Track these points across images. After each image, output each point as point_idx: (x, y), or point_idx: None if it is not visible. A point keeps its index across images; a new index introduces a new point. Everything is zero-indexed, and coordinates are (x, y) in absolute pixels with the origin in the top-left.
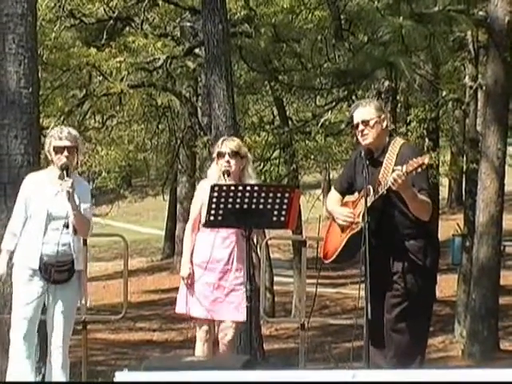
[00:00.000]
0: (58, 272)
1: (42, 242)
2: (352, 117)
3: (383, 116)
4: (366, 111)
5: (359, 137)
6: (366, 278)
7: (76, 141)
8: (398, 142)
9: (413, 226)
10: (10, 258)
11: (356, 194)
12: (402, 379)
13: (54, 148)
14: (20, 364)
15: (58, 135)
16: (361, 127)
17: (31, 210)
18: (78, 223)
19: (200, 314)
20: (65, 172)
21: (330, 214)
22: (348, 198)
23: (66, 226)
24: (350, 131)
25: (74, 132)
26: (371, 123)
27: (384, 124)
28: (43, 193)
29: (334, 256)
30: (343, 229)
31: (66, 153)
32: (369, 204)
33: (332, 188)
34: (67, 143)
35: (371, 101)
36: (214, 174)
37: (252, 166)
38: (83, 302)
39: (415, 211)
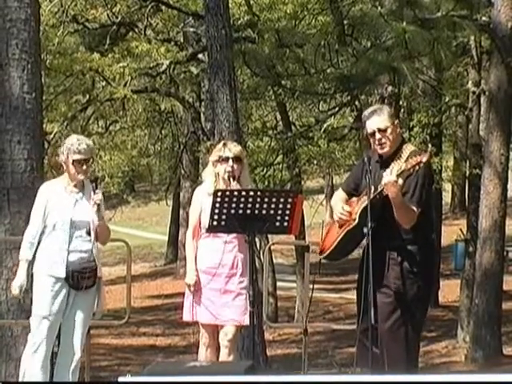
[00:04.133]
0: (83, 279)
1: (68, 250)
2: (365, 123)
3: (396, 122)
4: (381, 119)
5: (376, 145)
6: (369, 282)
7: (92, 152)
8: (409, 148)
9: (411, 232)
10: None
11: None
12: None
13: (74, 162)
14: (34, 371)
15: (77, 148)
16: (378, 136)
17: (52, 219)
18: (102, 232)
19: (208, 320)
20: (93, 184)
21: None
22: (354, 199)
23: (88, 233)
24: (353, 136)
25: (90, 143)
26: (388, 132)
27: (398, 130)
28: (63, 202)
29: (329, 251)
30: (341, 225)
31: (84, 166)
32: (367, 201)
33: (339, 188)
34: (85, 156)
35: (383, 107)
36: (210, 176)
37: (247, 168)
38: (101, 308)
39: (397, 217)
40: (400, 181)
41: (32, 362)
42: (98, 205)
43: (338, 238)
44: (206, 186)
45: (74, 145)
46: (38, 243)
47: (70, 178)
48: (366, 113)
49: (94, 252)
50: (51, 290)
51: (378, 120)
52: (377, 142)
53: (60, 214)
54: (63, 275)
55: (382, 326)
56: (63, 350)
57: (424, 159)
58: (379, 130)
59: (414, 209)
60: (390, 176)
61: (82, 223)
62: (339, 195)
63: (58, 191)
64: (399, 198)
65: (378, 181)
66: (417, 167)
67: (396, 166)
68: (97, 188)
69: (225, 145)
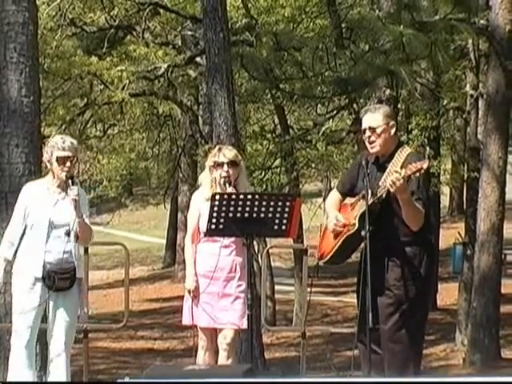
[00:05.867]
0: (60, 280)
1: (45, 250)
2: (361, 121)
3: (392, 123)
4: (374, 118)
5: (366, 143)
6: (367, 285)
7: (76, 151)
8: (406, 150)
9: (410, 234)
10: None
11: (357, 197)
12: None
13: (58, 158)
14: (21, 372)
15: (61, 145)
16: (368, 133)
17: (31, 219)
18: (82, 231)
19: (206, 323)
20: (70, 181)
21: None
22: (348, 200)
23: (67, 233)
24: (351, 140)
25: (75, 142)
26: (378, 131)
27: (392, 131)
28: (43, 202)
29: (329, 256)
30: (336, 234)
31: (68, 163)
32: (366, 206)
33: (334, 188)
34: (70, 154)
35: (381, 107)
36: (207, 181)
37: (245, 172)
38: (84, 310)
39: (407, 218)
40: (405, 187)
41: (18, 364)
42: (76, 200)
43: (338, 244)
44: (203, 190)
45: (58, 142)
46: (19, 243)
47: (54, 176)
48: (363, 110)
49: (73, 253)
50: (29, 289)
51: (370, 118)
52: (366, 140)
53: (39, 213)
54: (39, 274)
55: (382, 328)
56: (52, 352)
57: (425, 166)
58: (370, 128)
59: (422, 209)
60: (396, 174)
61: (61, 223)
62: (333, 197)
63: (40, 191)
64: (407, 194)
65: (375, 183)
66: (417, 174)
67: (393, 169)
68: (73, 184)
69: (219, 150)
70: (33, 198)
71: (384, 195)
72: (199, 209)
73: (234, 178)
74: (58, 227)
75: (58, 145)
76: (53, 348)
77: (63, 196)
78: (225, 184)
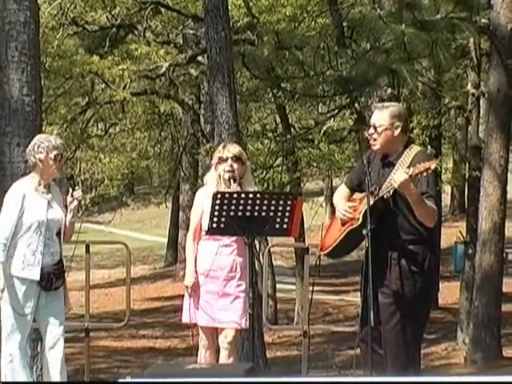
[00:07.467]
0: (56, 280)
1: (43, 252)
2: (364, 118)
3: (397, 123)
4: (378, 117)
5: (370, 139)
6: (368, 284)
7: (64, 148)
8: (415, 149)
9: (414, 232)
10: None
11: (364, 193)
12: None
13: (55, 156)
14: (17, 373)
15: (55, 144)
16: (371, 130)
17: (28, 221)
18: (70, 230)
19: (206, 322)
20: (72, 182)
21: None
22: (357, 195)
23: (58, 234)
24: (353, 138)
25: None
26: (379, 130)
27: (397, 131)
28: (37, 204)
29: (330, 249)
30: (344, 223)
31: (61, 162)
32: (371, 202)
33: (342, 183)
34: (62, 152)
35: (390, 106)
36: (213, 179)
37: (250, 172)
38: (67, 306)
39: (420, 216)
40: (411, 185)
41: (13, 365)
42: (79, 201)
43: (341, 237)
44: (208, 188)
45: (51, 141)
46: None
47: (47, 176)
48: (373, 105)
49: (61, 252)
50: (25, 292)
51: (375, 116)
52: (370, 137)
53: (35, 215)
54: (37, 277)
55: (384, 327)
56: (52, 350)
57: (432, 166)
58: (373, 126)
59: (434, 207)
60: (403, 174)
61: (55, 225)
62: (342, 191)
63: (29, 192)
64: (415, 192)
65: (383, 180)
66: (425, 173)
67: (401, 168)
68: (75, 185)
69: (224, 146)
70: (25, 199)
71: (391, 192)
72: (202, 206)
73: (240, 174)
74: (52, 228)
75: (51, 144)
76: (50, 345)
77: (51, 197)
78: (229, 179)
